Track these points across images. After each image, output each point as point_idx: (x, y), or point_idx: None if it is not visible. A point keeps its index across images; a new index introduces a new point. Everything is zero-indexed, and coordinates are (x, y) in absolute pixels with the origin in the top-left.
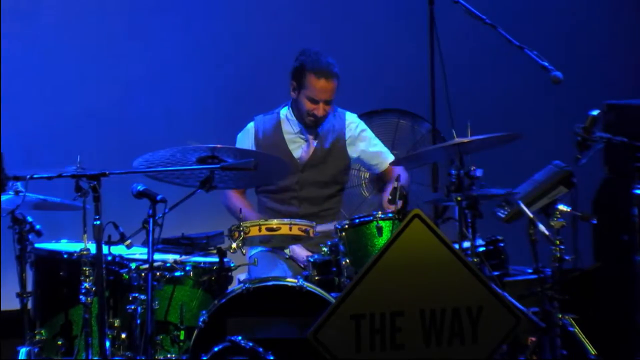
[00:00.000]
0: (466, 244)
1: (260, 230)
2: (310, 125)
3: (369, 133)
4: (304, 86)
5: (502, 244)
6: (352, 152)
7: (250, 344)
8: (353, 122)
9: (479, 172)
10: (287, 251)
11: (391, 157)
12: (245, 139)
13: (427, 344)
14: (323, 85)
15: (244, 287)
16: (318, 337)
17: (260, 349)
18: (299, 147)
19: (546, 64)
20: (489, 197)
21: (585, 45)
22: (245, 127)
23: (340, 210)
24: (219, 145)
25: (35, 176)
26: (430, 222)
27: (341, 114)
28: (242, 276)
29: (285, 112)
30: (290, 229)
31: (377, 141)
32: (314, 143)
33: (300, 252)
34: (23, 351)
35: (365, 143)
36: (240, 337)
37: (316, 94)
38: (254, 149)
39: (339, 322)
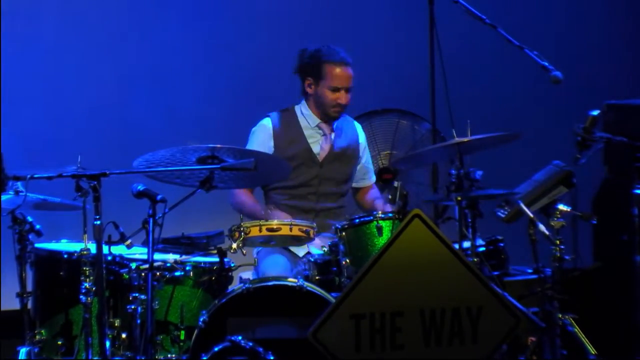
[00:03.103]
0: (466, 244)
1: (260, 230)
2: (334, 116)
3: (368, 149)
4: (323, 77)
5: (502, 244)
6: (361, 156)
7: (250, 344)
8: (362, 132)
9: (478, 174)
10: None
11: (374, 179)
12: (262, 134)
13: (427, 344)
14: (343, 72)
15: (244, 287)
16: (318, 337)
17: (260, 349)
18: (316, 142)
19: (546, 64)
20: (489, 197)
21: (585, 45)
22: (260, 122)
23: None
24: (219, 145)
25: (35, 176)
26: (430, 222)
27: (350, 120)
28: (244, 275)
29: (299, 108)
30: (291, 229)
31: (370, 159)
32: (331, 138)
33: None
34: (23, 351)
35: (366, 157)
36: (240, 337)
37: (338, 82)
38: (271, 143)
39: (339, 322)
